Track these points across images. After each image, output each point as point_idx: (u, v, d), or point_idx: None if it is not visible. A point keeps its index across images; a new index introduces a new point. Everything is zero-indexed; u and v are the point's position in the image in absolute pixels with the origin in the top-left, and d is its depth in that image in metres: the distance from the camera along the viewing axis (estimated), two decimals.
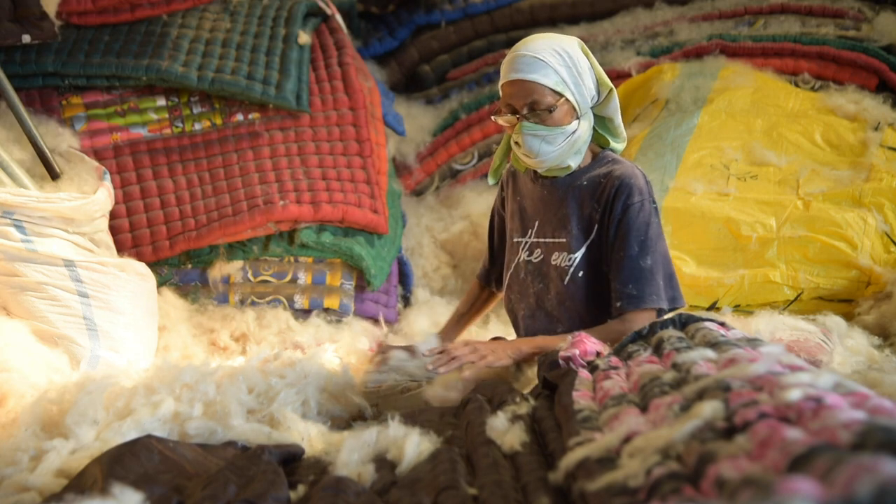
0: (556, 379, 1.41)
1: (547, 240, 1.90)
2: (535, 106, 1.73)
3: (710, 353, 1.15)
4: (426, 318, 3.01)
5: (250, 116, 3.09)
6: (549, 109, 1.73)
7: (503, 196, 2.06)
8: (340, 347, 2.62)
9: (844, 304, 2.63)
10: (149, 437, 1.29)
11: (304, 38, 3.26)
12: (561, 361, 1.50)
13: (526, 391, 1.59)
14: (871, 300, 2.57)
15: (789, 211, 2.75)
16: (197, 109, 3.08)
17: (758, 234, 2.72)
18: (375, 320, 3.02)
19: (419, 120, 4.01)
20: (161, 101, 3.07)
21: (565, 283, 1.84)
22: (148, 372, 1.86)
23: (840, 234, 2.66)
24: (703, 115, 3.16)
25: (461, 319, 2.21)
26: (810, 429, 0.79)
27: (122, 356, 2.26)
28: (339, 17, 3.54)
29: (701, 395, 0.98)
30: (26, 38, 2.79)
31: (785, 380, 0.92)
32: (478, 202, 3.62)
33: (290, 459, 1.36)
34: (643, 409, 1.08)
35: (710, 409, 0.90)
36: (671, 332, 1.35)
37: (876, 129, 3.00)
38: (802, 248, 2.68)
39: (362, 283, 2.95)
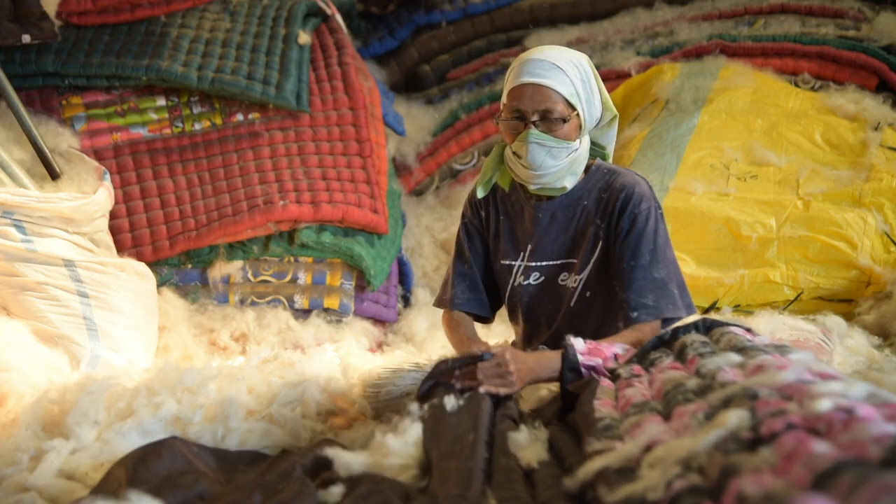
0: (577, 389, 1.37)
1: (549, 262, 1.82)
2: (548, 114, 1.64)
3: (736, 359, 1.11)
4: (426, 319, 3.01)
5: (250, 116, 3.09)
6: (564, 119, 1.63)
7: (483, 216, 1.90)
8: (341, 347, 2.62)
9: (844, 304, 2.63)
10: (174, 438, 1.27)
11: (304, 38, 3.26)
12: (583, 370, 1.45)
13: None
14: (871, 300, 2.57)
15: (789, 211, 2.74)
16: (197, 109, 3.08)
17: (758, 234, 2.72)
18: (375, 320, 3.02)
19: (419, 120, 4.01)
20: (161, 101, 3.07)
21: (573, 304, 1.78)
22: (149, 373, 1.86)
23: (840, 234, 2.66)
24: (703, 115, 3.16)
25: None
26: (839, 442, 0.77)
27: (122, 356, 2.26)
28: (339, 17, 3.54)
29: (727, 403, 0.94)
30: (26, 38, 2.79)
31: (815, 389, 0.88)
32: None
33: (323, 464, 1.32)
34: (666, 416, 1.05)
35: (735, 418, 0.87)
36: (695, 337, 1.29)
37: (876, 129, 3.00)
38: (802, 248, 2.68)
39: (362, 283, 2.95)
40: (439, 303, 1.97)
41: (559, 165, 1.69)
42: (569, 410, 1.40)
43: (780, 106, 3.17)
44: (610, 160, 1.87)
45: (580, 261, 1.77)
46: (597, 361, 1.47)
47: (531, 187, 1.76)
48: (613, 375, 1.38)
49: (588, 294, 1.77)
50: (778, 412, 0.85)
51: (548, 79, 1.63)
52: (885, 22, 3.44)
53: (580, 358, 1.48)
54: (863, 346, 2.25)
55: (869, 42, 3.35)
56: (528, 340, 1.93)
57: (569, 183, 1.74)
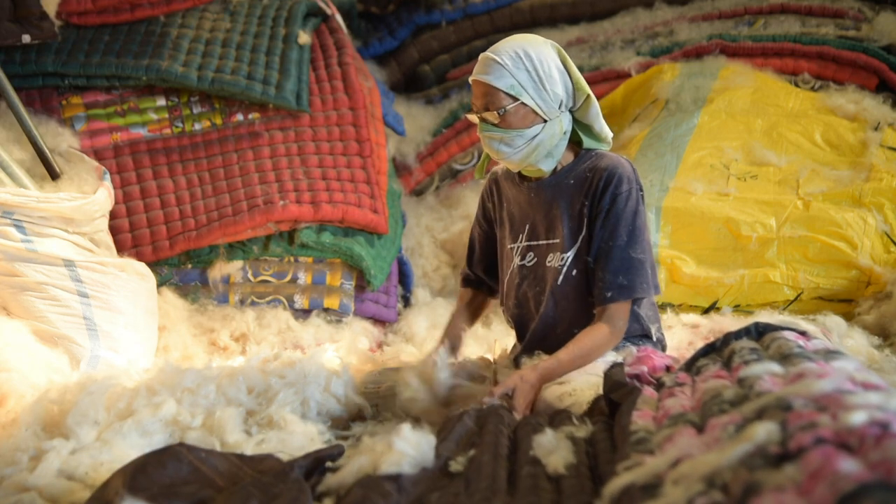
0: (619, 398, 1.35)
1: (539, 242, 1.90)
2: (490, 107, 1.77)
3: (776, 368, 1.07)
4: (426, 319, 3.01)
5: (250, 116, 3.09)
6: (499, 111, 1.75)
7: (487, 206, 2.06)
8: (341, 347, 2.62)
9: (844, 304, 2.63)
10: (180, 445, 1.24)
11: (304, 38, 3.26)
12: (628, 379, 1.44)
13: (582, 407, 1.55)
14: (871, 300, 2.56)
15: (789, 211, 2.74)
16: (197, 109, 3.08)
17: (758, 234, 2.72)
18: (375, 320, 3.02)
19: (419, 120, 4.01)
20: (161, 101, 3.06)
21: (559, 282, 1.84)
22: (150, 373, 1.86)
23: (840, 234, 2.66)
24: (703, 115, 3.15)
25: (461, 328, 2.06)
26: (869, 460, 0.74)
27: (122, 356, 2.26)
28: (339, 17, 3.54)
29: (760, 415, 0.91)
30: (26, 38, 2.79)
31: (851, 400, 0.85)
32: (478, 202, 3.62)
33: (325, 461, 1.30)
34: (701, 428, 1.01)
35: (763, 431, 0.84)
36: (744, 343, 1.25)
37: (876, 129, 3.00)
38: (802, 248, 2.68)
39: (362, 283, 2.95)
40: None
41: (518, 152, 1.79)
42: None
43: (780, 106, 3.17)
44: (608, 137, 1.90)
45: (563, 240, 1.84)
46: (642, 369, 1.45)
47: (513, 169, 1.91)
48: (658, 384, 1.36)
49: (574, 273, 1.83)
50: (809, 425, 0.82)
51: (486, 75, 1.77)
52: (885, 22, 3.43)
53: (626, 369, 1.49)
54: (863, 346, 2.25)
55: (869, 42, 3.35)
56: (521, 333, 1.97)
57: (545, 166, 1.84)
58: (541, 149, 1.80)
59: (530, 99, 1.76)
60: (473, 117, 1.82)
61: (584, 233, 1.83)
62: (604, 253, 1.78)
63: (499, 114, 1.75)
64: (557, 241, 1.86)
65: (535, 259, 1.90)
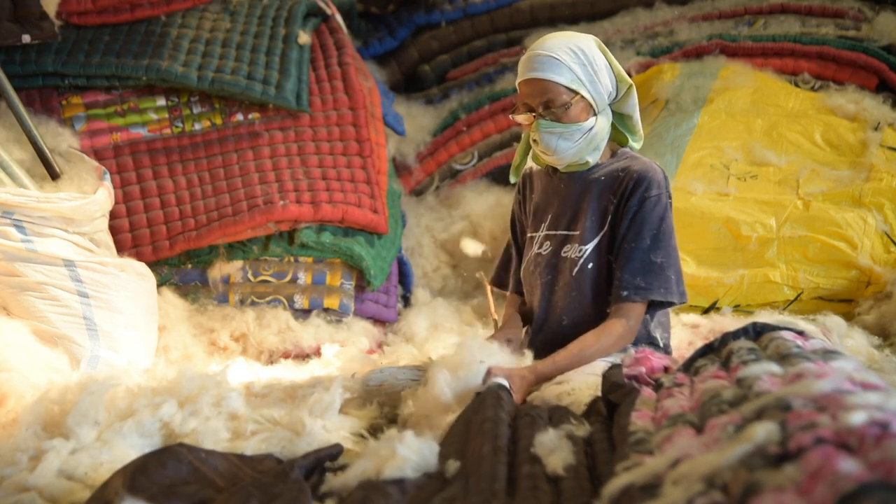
0: (618, 399, 1.35)
1: (558, 232, 1.92)
2: (550, 104, 1.78)
3: (775, 368, 1.07)
4: (426, 319, 3.01)
5: (250, 116, 3.09)
6: (565, 107, 1.77)
7: (520, 199, 2.09)
8: (347, 349, 2.62)
9: (844, 304, 2.63)
10: (180, 445, 1.24)
11: (304, 38, 3.26)
12: (626, 380, 1.44)
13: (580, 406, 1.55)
14: (871, 300, 2.57)
15: (789, 211, 2.74)
16: (197, 109, 3.08)
17: (758, 234, 2.72)
18: (375, 320, 3.02)
19: (419, 120, 4.01)
20: (161, 101, 3.06)
21: (573, 274, 1.86)
22: (150, 373, 1.85)
23: (840, 234, 2.66)
24: (703, 115, 3.15)
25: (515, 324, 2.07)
26: (869, 460, 0.74)
27: (121, 356, 2.26)
28: (339, 17, 3.54)
29: (760, 415, 0.91)
30: (26, 38, 2.79)
31: (851, 400, 0.85)
32: (478, 202, 3.62)
33: (324, 461, 1.31)
34: (700, 429, 1.01)
35: (763, 431, 0.83)
36: (742, 344, 1.25)
37: (876, 129, 3.00)
38: (802, 248, 2.68)
39: (362, 283, 2.95)
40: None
41: (575, 146, 1.81)
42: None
43: (780, 106, 3.17)
44: (639, 129, 1.94)
45: (584, 232, 1.86)
46: (640, 370, 1.45)
47: (559, 167, 1.91)
48: (657, 384, 1.36)
49: (590, 266, 1.85)
50: (808, 425, 0.82)
51: (545, 72, 1.77)
52: (885, 22, 3.43)
53: (624, 370, 1.50)
54: (863, 346, 2.26)
55: (869, 42, 3.35)
56: (529, 321, 2.00)
57: (591, 158, 1.87)
58: (593, 142, 1.84)
59: (587, 92, 1.79)
60: (524, 117, 1.82)
61: (605, 229, 1.85)
62: (625, 254, 1.80)
63: (565, 108, 1.76)
64: (577, 233, 1.88)
65: (551, 248, 1.93)
